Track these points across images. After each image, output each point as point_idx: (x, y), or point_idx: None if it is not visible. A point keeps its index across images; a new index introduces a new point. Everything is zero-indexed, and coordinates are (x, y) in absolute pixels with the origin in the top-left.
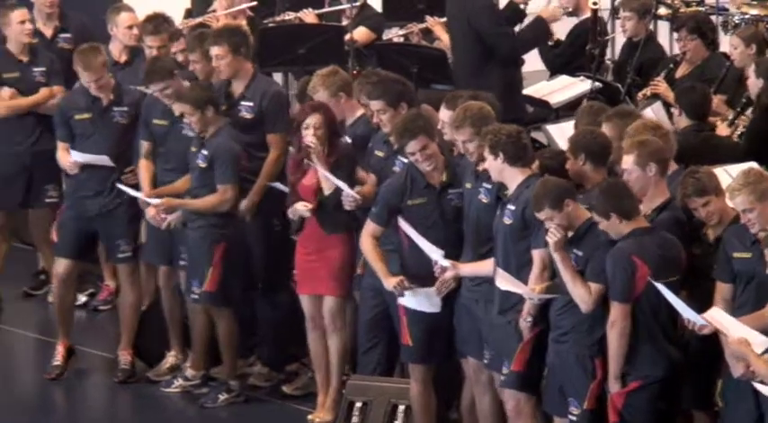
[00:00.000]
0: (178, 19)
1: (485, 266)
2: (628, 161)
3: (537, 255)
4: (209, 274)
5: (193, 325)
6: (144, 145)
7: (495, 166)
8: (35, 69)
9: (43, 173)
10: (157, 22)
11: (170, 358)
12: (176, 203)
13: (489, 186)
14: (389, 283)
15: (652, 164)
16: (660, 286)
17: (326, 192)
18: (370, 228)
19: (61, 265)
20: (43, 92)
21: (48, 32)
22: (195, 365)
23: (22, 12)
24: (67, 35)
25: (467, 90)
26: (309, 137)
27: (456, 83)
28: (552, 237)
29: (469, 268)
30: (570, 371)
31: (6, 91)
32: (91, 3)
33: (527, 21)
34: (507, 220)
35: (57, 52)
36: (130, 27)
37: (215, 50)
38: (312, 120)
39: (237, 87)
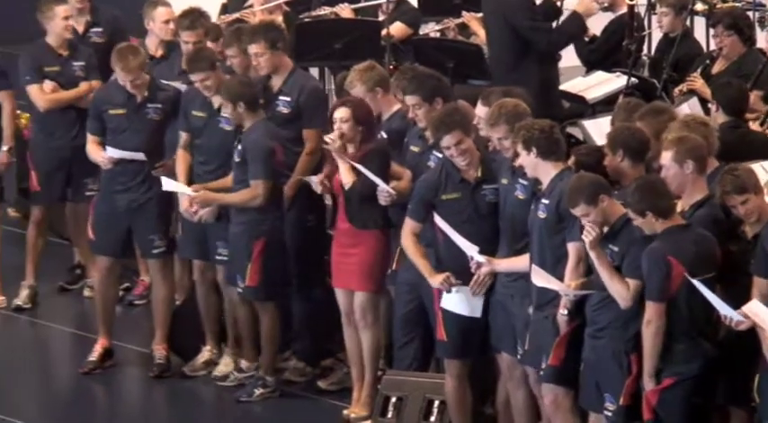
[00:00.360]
0: (214, 14)
1: (520, 262)
2: (666, 157)
3: (572, 248)
4: (249, 270)
5: (239, 319)
6: (182, 136)
7: (528, 161)
8: (75, 64)
9: (83, 167)
10: (193, 17)
11: (205, 353)
12: (211, 197)
13: (525, 183)
14: (435, 280)
15: (689, 161)
16: (697, 283)
17: (346, 185)
18: (408, 225)
19: (101, 262)
20: (83, 86)
21: (79, 28)
22: (249, 358)
23: (66, 8)
24: (99, 29)
25: (502, 86)
26: (335, 132)
27: (493, 79)
28: (588, 235)
29: (505, 264)
30: (606, 366)
31: (48, 84)
32: None
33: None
34: (542, 215)
35: (89, 47)
36: (167, 22)
37: (253, 48)
38: (339, 113)
39: (276, 82)
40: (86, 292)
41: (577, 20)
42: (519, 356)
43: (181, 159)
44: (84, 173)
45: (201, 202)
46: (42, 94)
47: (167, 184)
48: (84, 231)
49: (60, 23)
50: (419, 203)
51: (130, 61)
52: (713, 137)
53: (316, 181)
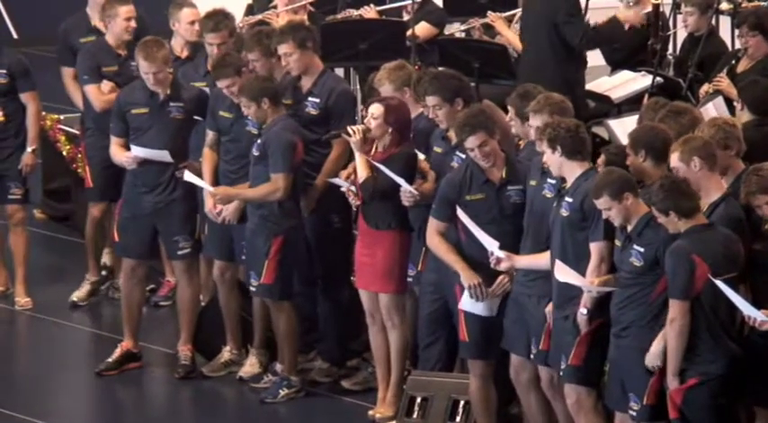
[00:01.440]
0: (240, 14)
1: (541, 259)
2: (674, 159)
3: (595, 247)
4: (266, 267)
5: (273, 321)
6: (209, 134)
7: (553, 159)
8: (133, 63)
9: None
10: (218, 19)
11: (225, 353)
12: (232, 193)
13: (554, 181)
14: (468, 277)
15: (696, 158)
16: (720, 283)
17: (359, 179)
18: (433, 225)
19: (126, 264)
20: None
21: (102, 26)
22: (282, 360)
23: (129, 8)
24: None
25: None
26: (361, 125)
27: (519, 78)
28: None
29: (526, 261)
30: (631, 366)
31: (106, 85)
32: None
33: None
34: (564, 213)
35: None
36: (192, 23)
37: (282, 49)
38: (372, 108)
39: (306, 83)
40: (110, 293)
41: (615, 26)
42: (532, 356)
43: (207, 158)
44: None
45: (222, 198)
46: (100, 94)
47: (188, 177)
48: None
49: (121, 24)
50: (443, 203)
51: (154, 52)
52: (740, 138)
53: (342, 178)
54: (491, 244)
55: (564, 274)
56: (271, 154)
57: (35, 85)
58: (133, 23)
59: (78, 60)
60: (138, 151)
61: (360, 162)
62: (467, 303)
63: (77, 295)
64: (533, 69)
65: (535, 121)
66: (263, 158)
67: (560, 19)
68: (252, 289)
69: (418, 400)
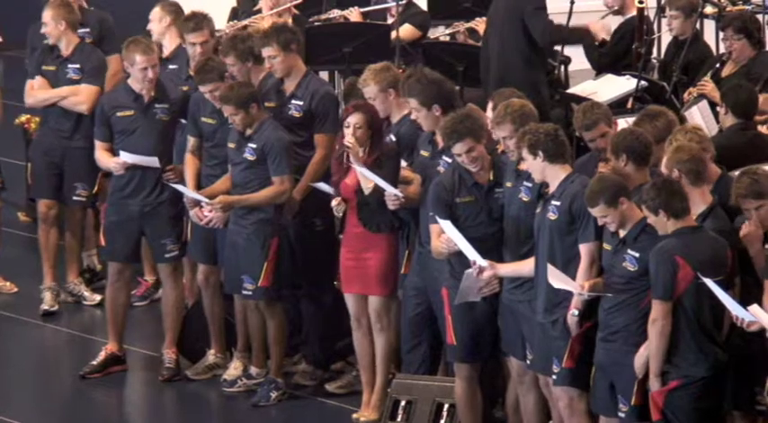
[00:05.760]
0: (224, 17)
1: (524, 266)
2: (663, 165)
3: (585, 249)
4: (264, 270)
5: (250, 323)
6: (191, 140)
7: (535, 165)
8: (69, 66)
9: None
10: (198, 19)
11: (210, 357)
12: (233, 200)
13: (530, 185)
14: (485, 262)
15: (676, 171)
16: (709, 282)
17: (366, 191)
18: (435, 229)
19: (111, 268)
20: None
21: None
22: (258, 363)
23: (145, 58)
24: (86, 30)
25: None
26: (348, 136)
27: (484, 80)
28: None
29: (509, 268)
30: (621, 369)
31: (40, 81)
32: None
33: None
34: (552, 216)
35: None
36: (144, 69)
37: (266, 51)
38: (353, 119)
39: (289, 86)
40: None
41: (582, 33)
42: (528, 362)
43: (190, 164)
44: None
45: (224, 207)
46: (30, 89)
47: (186, 192)
48: (75, 234)
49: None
50: (438, 205)
51: (147, 44)
52: (711, 143)
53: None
54: (473, 253)
55: (555, 278)
56: (273, 156)
57: None
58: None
59: (29, 58)
60: (126, 157)
61: (363, 175)
62: (464, 294)
63: (46, 305)
64: (500, 70)
65: (501, 132)
66: (259, 162)
67: (528, 11)
68: (247, 293)
69: (402, 403)
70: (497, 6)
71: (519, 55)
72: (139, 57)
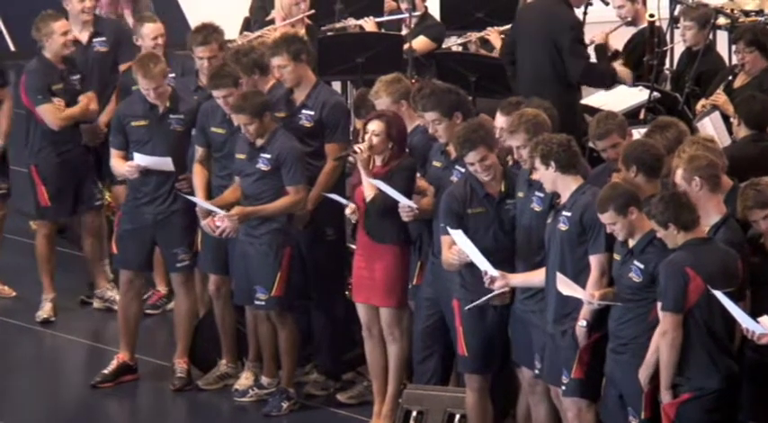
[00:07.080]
0: (237, 28)
1: (535, 277)
2: (677, 175)
3: (595, 260)
4: (278, 279)
5: (261, 333)
6: (199, 151)
7: (547, 175)
8: (72, 77)
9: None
10: (206, 33)
11: (221, 367)
12: (249, 211)
13: (542, 195)
14: (496, 272)
15: (697, 178)
16: (719, 294)
17: (367, 198)
18: (447, 240)
19: (123, 276)
20: (83, 99)
21: (83, 38)
22: (269, 373)
23: (63, 23)
24: (102, 39)
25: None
26: (364, 143)
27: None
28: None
29: (520, 278)
30: (630, 380)
31: (59, 102)
32: None
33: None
34: (563, 227)
35: (93, 57)
36: (155, 38)
37: (276, 61)
38: (372, 125)
39: (299, 95)
40: (96, 304)
41: (612, 74)
42: (536, 371)
43: (198, 174)
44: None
45: (240, 219)
46: (58, 111)
47: (198, 202)
48: (90, 242)
49: (59, 40)
50: (450, 216)
51: (151, 69)
52: (723, 154)
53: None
54: (484, 263)
55: (565, 287)
56: (288, 166)
57: (7, 82)
58: (70, 37)
59: (28, 83)
60: (140, 159)
61: (367, 180)
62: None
63: (43, 313)
64: (531, 86)
65: (514, 141)
66: (273, 173)
67: (565, 44)
68: (260, 303)
69: (414, 413)
70: (528, 29)
71: (554, 84)
72: (142, 80)
